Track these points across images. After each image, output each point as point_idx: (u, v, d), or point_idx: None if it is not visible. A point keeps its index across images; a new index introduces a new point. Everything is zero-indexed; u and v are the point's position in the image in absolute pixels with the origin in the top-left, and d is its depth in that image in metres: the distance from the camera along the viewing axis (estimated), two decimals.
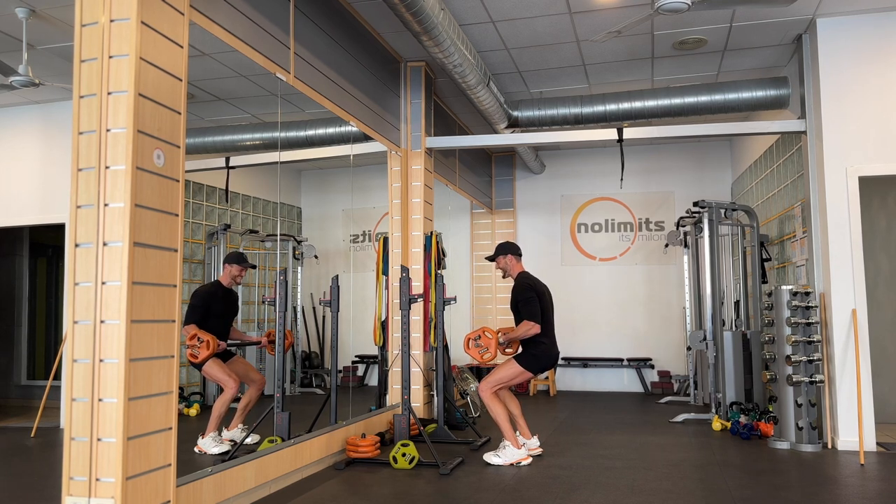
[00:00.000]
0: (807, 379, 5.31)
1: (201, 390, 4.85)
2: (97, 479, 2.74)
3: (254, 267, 5.08)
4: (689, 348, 8.06)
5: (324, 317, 6.77)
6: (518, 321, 4.98)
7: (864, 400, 5.26)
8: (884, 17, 5.52)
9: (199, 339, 4.20)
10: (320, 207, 6.62)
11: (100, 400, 2.76)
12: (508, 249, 5.16)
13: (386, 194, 6.27)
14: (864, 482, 4.27)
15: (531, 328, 4.84)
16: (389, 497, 3.93)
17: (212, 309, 4.55)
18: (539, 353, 4.89)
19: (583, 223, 9.58)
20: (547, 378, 8.96)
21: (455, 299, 5.62)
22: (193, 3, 3.37)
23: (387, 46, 6.05)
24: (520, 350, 5.00)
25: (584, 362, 9.25)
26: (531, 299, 4.87)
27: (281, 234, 5.63)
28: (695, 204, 7.00)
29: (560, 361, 9.21)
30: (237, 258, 4.75)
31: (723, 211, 6.90)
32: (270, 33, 4.15)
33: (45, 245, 8.91)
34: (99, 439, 2.75)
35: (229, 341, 4.71)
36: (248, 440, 4.45)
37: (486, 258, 5.31)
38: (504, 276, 5.24)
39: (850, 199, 5.43)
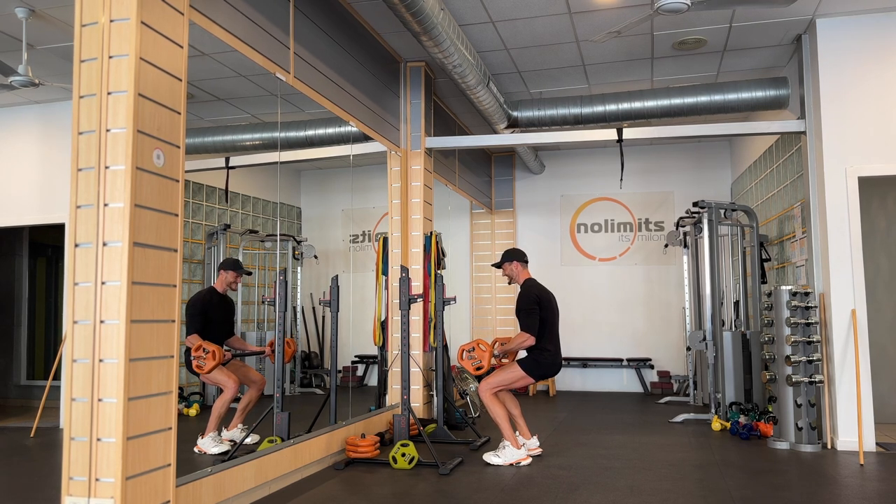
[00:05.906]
0: (806, 379, 5.31)
1: (201, 390, 4.85)
2: (97, 479, 2.74)
3: (249, 273, 5.07)
4: (688, 348, 8.06)
5: (323, 317, 6.77)
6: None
7: (864, 400, 5.26)
8: (884, 17, 5.52)
9: (204, 349, 4.20)
10: (320, 207, 6.62)
11: (99, 400, 2.76)
12: (514, 256, 5.18)
13: (385, 194, 6.27)
14: (864, 482, 4.28)
15: (525, 340, 4.88)
16: (389, 497, 3.93)
17: (210, 316, 4.54)
18: (542, 359, 4.92)
19: (582, 223, 9.58)
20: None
21: (455, 299, 5.62)
22: (193, 3, 3.37)
23: (387, 46, 6.05)
24: (524, 354, 5.02)
25: (584, 362, 9.25)
26: (532, 311, 4.89)
27: (280, 234, 5.63)
28: (694, 204, 7.00)
29: None
30: (233, 265, 4.73)
31: (722, 211, 6.90)
32: (270, 33, 4.15)
33: (44, 245, 8.91)
34: (98, 439, 2.75)
35: (234, 352, 4.71)
36: (248, 440, 4.46)
37: (493, 265, 5.34)
38: (510, 283, 5.27)
39: (850, 200, 5.43)
